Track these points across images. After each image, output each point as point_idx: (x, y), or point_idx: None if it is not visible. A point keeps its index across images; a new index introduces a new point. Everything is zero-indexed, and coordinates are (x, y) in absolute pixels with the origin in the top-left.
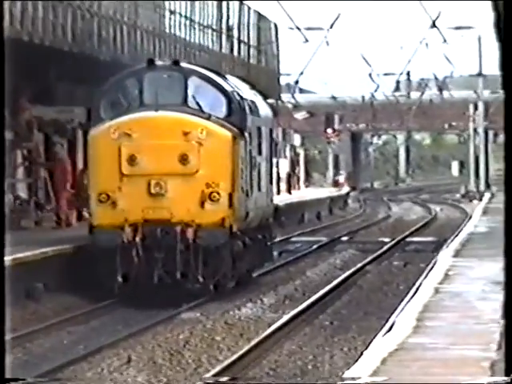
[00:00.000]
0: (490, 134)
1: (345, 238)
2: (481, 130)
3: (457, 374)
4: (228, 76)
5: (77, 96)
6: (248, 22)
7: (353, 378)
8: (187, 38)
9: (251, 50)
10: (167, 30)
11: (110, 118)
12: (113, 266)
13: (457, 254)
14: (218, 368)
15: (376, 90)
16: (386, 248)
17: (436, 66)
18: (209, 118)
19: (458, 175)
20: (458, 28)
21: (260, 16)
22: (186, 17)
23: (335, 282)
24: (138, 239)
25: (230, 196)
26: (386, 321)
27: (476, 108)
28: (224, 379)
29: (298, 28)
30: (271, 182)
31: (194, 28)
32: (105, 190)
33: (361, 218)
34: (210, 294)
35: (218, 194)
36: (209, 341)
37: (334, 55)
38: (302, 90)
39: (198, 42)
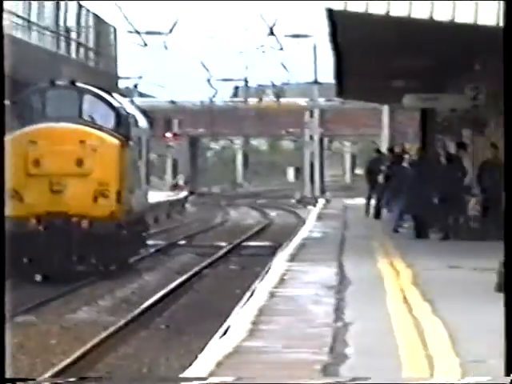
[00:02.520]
0: (325, 140)
1: (182, 242)
2: (316, 137)
3: (290, 376)
4: (114, 94)
5: None
6: (86, 25)
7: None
8: (25, 39)
9: (90, 53)
10: (5, 31)
11: (18, 128)
12: (20, 250)
13: (292, 259)
14: (51, 371)
15: (214, 96)
16: (222, 252)
17: (273, 72)
18: (100, 128)
19: (293, 181)
20: (294, 36)
21: (99, 19)
22: (23, 18)
23: (172, 286)
24: (41, 228)
25: (118, 193)
26: (222, 324)
27: (312, 115)
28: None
29: (137, 32)
30: (148, 183)
31: (32, 29)
32: (13, 187)
33: (199, 222)
34: (100, 273)
35: (108, 191)
36: (44, 344)
37: (173, 60)
38: (141, 94)
39: (36, 44)
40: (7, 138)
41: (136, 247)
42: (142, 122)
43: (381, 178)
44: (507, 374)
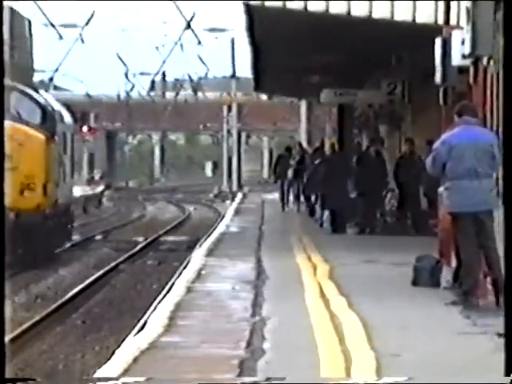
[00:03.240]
0: (243, 135)
1: (99, 237)
2: (234, 132)
3: (207, 371)
4: (41, 91)
5: None
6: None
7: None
8: None
9: (4, 46)
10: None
11: None
12: None
13: (209, 254)
14: None
15: (132, 89)
16: (139, 247)
17: (191, 66)
18: (27, 124)
19: (211, 176)
20: (212, 30)
21: (12, 11)
22: None
23: (88, 281)
24: None
25: (44, 186)
26: (139, 320)
27: (229, 109)
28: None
29: (53, 25)
30: (72, 176)
31: (3, 5)
32: None
33: (115, 217)
34: (28, 264)
35: (35, 184)
36: None
37: (89, 53)
38: (56, 88)
39: None
40: None
41: (62, 238)
42: (67, 117)
43: (290, 173)
44: (507, 374)
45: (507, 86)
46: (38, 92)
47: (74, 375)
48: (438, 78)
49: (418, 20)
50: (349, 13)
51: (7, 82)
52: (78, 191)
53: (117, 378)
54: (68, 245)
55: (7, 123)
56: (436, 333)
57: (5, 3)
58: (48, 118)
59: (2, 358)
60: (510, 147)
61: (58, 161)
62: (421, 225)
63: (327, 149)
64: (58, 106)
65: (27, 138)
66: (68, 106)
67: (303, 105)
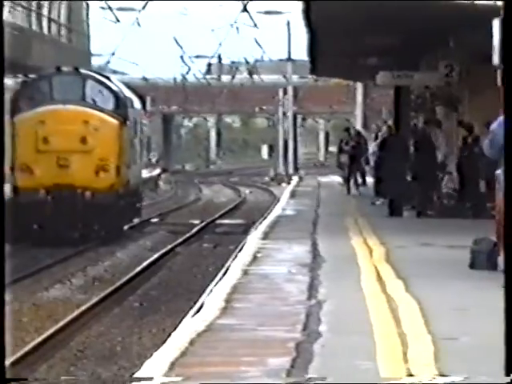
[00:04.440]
0: (299, 118)
1: (155, 220)
2: (290, 114)
3: (263, 354)
4: (113, 79)
5: None
6: (59, 1)
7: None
8: None
9: (62, 29)
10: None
11: (28, 109)
12: (31, 217)
13: (265, 237)
14: (26, 349)
15: (187, 73)
16: (196, 230)
17: (247, 49)
18: (102, 110)
19: (267, 158)
20: (267, 13)
21: None
22: None
23: (145, 264)
24: (49, 198)
25: (117, 168)
26: (195, 302)
27: (285, 92)
28: None
29: (110, 8)
30: (142, 158)
31: (3, 5)
32: (25, 161)
33: (172, 200)
34: (102, 238)
35: (109, 166)
36: (15, 322)
37: (145, 36)
38: (113, 71)
39: (7, 20)
40: (17, 119)
41: (131, 216)
42: (137, 104)
43: (345, 158)
44: (507, 374)
45: (508, 86)
46: (110, 80)
47: (131, 357)
48: (495, 59)
49: (476, 0)
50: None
51: (83, 71)
52: None
53: (151, 378)
54: (132, 224)
55: (83, 109)
56: (493, 316)
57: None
58: (121, 105)
59: (1, 358)
60: (511, 144)
61: (130, 144)
62: (479, 208)
63: (384, 132)
64: (129, 93)
65: (102, 123)
66: (137, 92)
67: (359, 87)
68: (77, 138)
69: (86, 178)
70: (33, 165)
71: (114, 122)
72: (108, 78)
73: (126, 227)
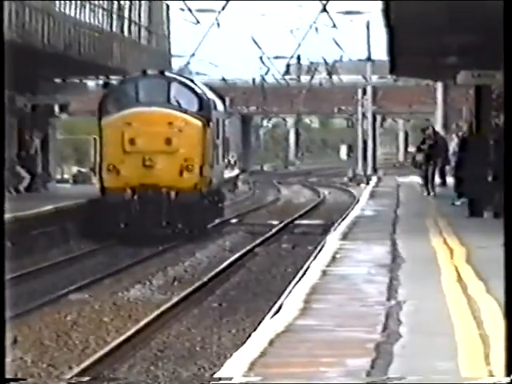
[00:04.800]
0: (378, 118)
1: (234, 220)
2: (369, 115)
3: (342, 355)
4: (196, 81)
5: None
6: (139, 2)
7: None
8: (77, 17)
9: (142, 31)
10: (57, 9)
11: (115, 112)
12: (117, 216)
13: (344, 237)
14: (106, 349)
15: (266, 73)
16: (274, 230)
17: (326, 50)
18: (186, 112)
19: (346, 159)
20: (347, 13)
21: None
22: None
23: (224, 264)
24: (135, 198)
25: (201, 168)
26: (274, 303)
27: (364, 92)
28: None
29: (190, 9)
30: (223, 159)
31: (85, 7)
32: (112, 162)
33: (250, 201)
34: (186, 236)
35: (193, 166)
36: (97, 322)
37: (224, 38)
38: (196, 73)
39: (89, 22)
40: (104, 121)
41: (214, 215)
42: (220, 105)
43: (420, 157)
44: (507, 374)
45: (508, 85)
46: (194, 82)
47: (211, 357)
48: None
49: (476, 0)
50: None
51: (168, 74)
52: None
53: (230, 378)
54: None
55: (168, 111)
56: None
57: None
58: (204, 106)
59: (1, 358)
60: (511, 144)
61: (212, 145)
62: None
63: (464, 131)
64: (211, 95)
65: (186, 124)
66: (220, 94)
67: (439, 87)
68: (162, 139)
69: (170, 177)
70: (119, 165)
71: (198, 123)
72: (192, 80)
73: (209, 226)
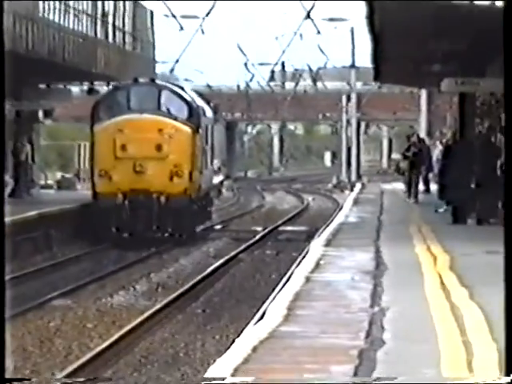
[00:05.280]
0: (362, 125)
1: (218, 227)
2: (353, 121)
3: (325, 362)
4: (186, 89)
5: None
6: (124, 8)
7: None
8: (61, 23)
9: (126, 37)
10: (40, 15)
11: (107, 118)
12: (109, 220)
13: (328, 244)
14: (88, 356)
15: (251, 80)
16: (258, 237)
17: (310, 56)
18: (176, 119)
19: (330, 165)
20: (331, 20)
21: (135, 2)
22: (60, 1)
23: (208, 270)
24: (126, 203)
25: (190, 173)
26: (258, 309)
27: (349, 99)
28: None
29: (174, 15)
30: (212, 164)
31: (69, 13)
32: (104, 167)
33: (234, 207)
34: (175, 240)
35: (182, 171)
36: (80, 328)
37: (209, 44)
38: (177, 79)
39: (73, 27)
40: (96, 128)
41: (203, 219)
42: (209, 112)
43: (404, 164)
44: (507, 374)
45: (508, 84)
46: (184, 90)
47: (194, 363)
48: None
49: (476, 0)
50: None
51: (159, 82)
52: None
53: (223, 378)
54: (204, 227)
55: (159, 118)
56: None
57: None
58: (193, 114)
59: (1, 357)
60: (511, 144)
61: (202, 151)
62: None
63: (449, 138)
64: (201, 102)
65: (176, 131)
66: (209, 101)
67: (423, 94)
68: (152, 145)
69: (160, 183)
70: (111, 171)
71: (188, 130)
72: (182, 87)
73: (198, 229)
